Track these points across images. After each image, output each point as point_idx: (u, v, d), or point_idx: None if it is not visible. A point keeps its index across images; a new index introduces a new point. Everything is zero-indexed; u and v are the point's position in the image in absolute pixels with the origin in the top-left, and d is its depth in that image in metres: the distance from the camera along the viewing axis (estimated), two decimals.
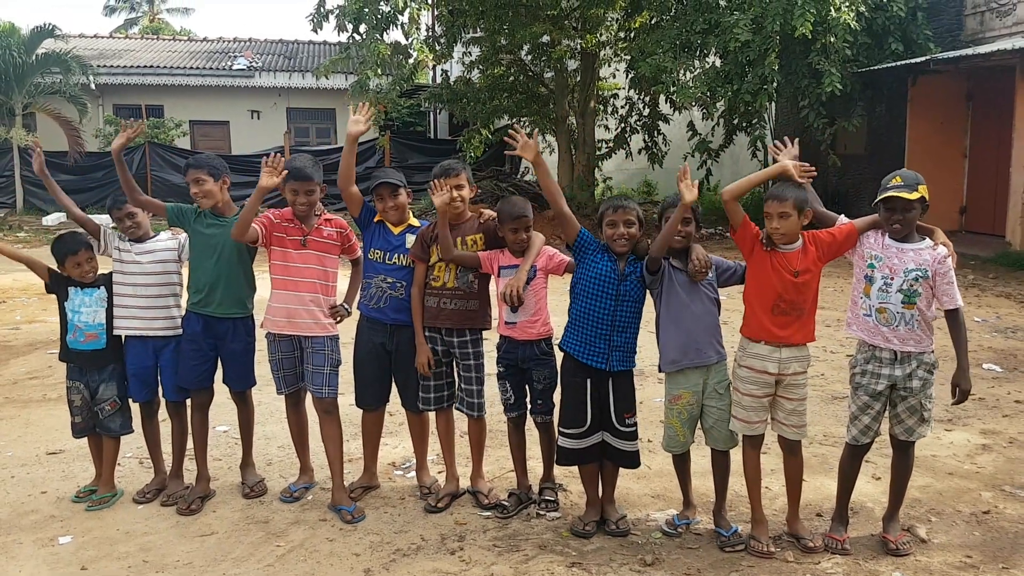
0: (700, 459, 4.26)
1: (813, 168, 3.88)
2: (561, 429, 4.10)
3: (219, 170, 4.47)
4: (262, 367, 4.91)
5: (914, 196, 3.68)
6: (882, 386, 3.82)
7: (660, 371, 4.09)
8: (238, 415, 4.70)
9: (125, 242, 4.54)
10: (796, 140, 4.10)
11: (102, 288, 4.47)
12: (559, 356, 4.24)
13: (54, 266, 4.52)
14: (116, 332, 4.48)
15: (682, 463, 4.19)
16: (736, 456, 4.07)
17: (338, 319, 4.48)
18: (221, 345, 4.48)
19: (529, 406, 4.37)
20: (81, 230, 4.52)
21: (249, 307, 4.54)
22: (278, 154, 4.31)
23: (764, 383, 3.90)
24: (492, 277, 4.32)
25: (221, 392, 4.62)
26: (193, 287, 4.46)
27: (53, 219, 18.85)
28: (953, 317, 3.77)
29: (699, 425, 4.08)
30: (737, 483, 4.18)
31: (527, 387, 4.34)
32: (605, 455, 4.10)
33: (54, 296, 4.52)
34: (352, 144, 4.34)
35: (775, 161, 3.96)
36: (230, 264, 4.43)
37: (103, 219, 4.78)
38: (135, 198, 4.44)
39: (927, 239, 3.80)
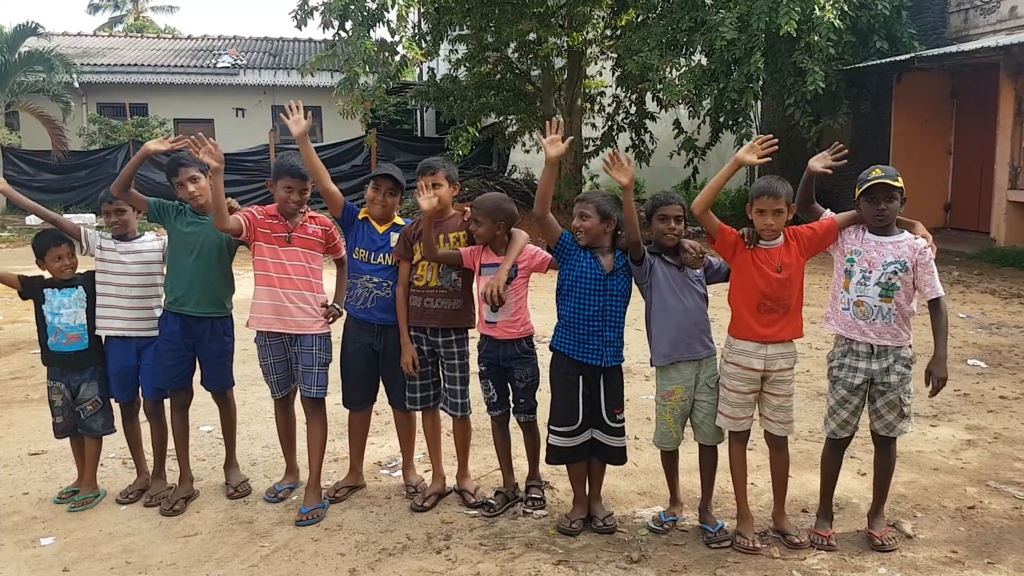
0: (687, 455, 4.26)
1: (773, 138, 3.77)
2: (552, 427, 4.08)
3: (206, 167, 4.44)
4: (246, 366, 4.89)
5: (898, 183, 3.70)
6: (859, 380, 3.84)
7: (652, 365, 4.08)
8: (220, 416, 4.66)
9: (109, 241, 4.49)
10: (787, 127, 4.08)
11: (80, 288, 4.42)
12: (541, 355, 4.22)
13: (22, 272, 4.47)
14: (98, 332, 4.43)
15: (670, 459, 4.18)
16: (722, 452, 4.08)
17: (331, 320, 4.46)
18: (199, 345, 4.43)
19: (512, 405, 4.36)
20: None
21: (228, 307, 4.50)
22: (199, 133, 4.24)
23: (750, 379, 3.90)
24: (474, 275, 4.31)
25: (205, 392, 4.59)
26: (170, 285, 4.41)
27: (37, 219, 18.68)
28: (935, 306, 3.79)
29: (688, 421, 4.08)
30: (723, 479, 4.18)
31: (509, 386, 4.33)
32: (593, 452, 4.09)
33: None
34: (304, 142, 4.19)
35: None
36: (209, 263, 4.39)
37: (85, 218, 4.74)
38: (123, 188, 4.32)
39: (906, 232, 3.82)
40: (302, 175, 4.27)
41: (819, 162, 3.93)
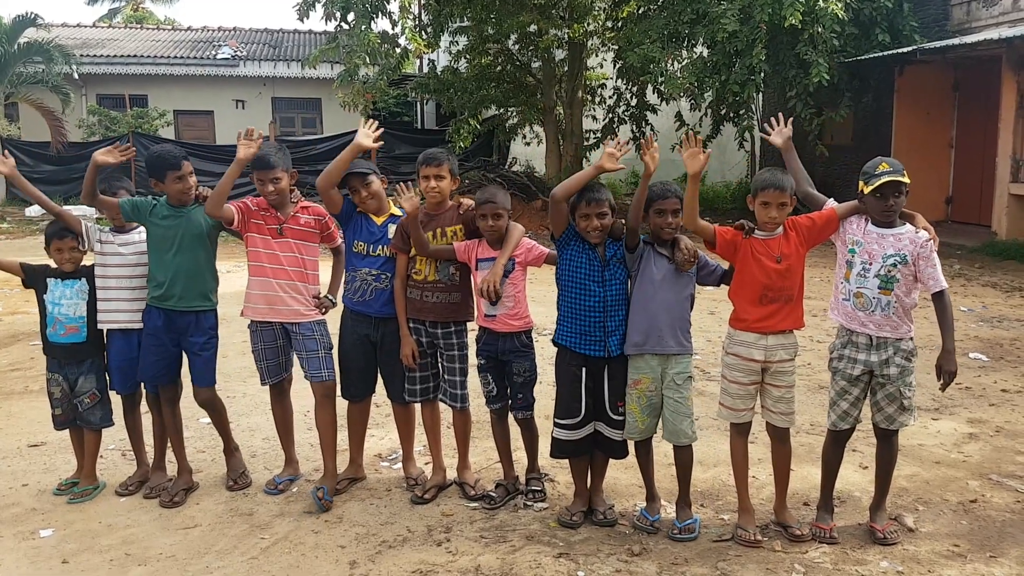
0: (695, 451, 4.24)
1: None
2: (556, 420, 4.05)
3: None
4: (245, 358, 4.87)
5: (905, 179, 3.68)
6: (858, 371, 3.82)
7: (624, 353, 4.02)
8: (211, 419, 4.63)
9: (107, 234, 4.46)
10: (786, 119, 4.10)
11: (83, 280, 4.40)
12: (543, 348, 4.20)
13: (24, 260, 4.45)
14: (101, 326, 4.41)
15: (644, 452, 4.09)
16: (724, 445, 4.06)
17: (323, 311, 4.44)
18: (183, 340, 4.37)
19: (509, 401, 4.32)
20: None
21: (213, 300, 4.44)
22: (252, 127, 4.23)
23: (750, 370, 3.89)
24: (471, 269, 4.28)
25: None
26: (152, 280, 4.34)
27: (36, 210, 18.63)
28: (939, 300, 3.76)
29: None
30: (724, 472, 4.17)
31: (507, 381, 4.30)
32: (595, 445, 4.07)
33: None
34: (353, 155, 4.20)
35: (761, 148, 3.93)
36: (190, 256, 4.31)
37: (87, 210, 4.70)
38: (90, 197, 4.31)
39: (908, 224, 3.80)
40: (265, 164, 4.22)
41: (779, 136, 4.13)
